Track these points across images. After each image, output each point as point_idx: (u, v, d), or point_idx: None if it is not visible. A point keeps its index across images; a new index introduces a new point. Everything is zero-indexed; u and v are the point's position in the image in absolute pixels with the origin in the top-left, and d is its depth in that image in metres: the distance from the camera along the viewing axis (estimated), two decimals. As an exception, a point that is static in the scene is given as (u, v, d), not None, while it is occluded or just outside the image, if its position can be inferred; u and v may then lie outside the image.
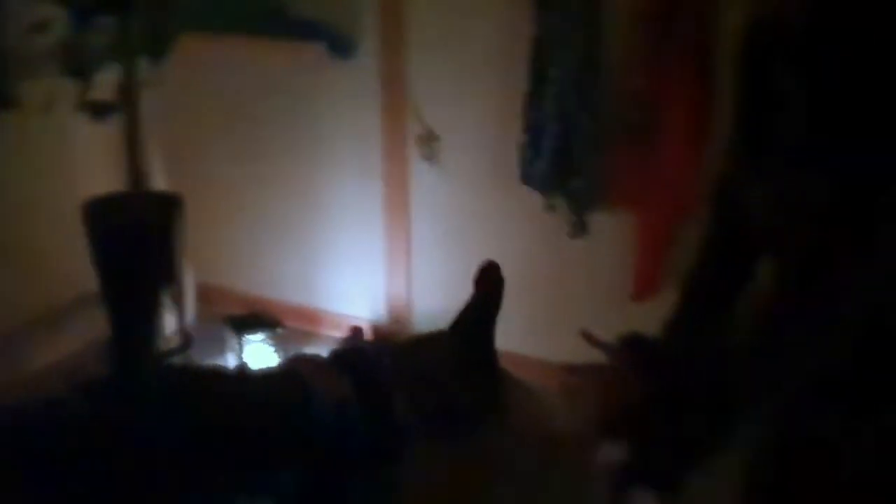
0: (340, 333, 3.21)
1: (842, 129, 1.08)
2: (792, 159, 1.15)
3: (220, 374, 1.47)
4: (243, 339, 2.84)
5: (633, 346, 1.38)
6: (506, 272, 3.15)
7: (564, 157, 2.59)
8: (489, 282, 1.53)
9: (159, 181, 2.90)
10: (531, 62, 2.56)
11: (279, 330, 2.91)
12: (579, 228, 2.64)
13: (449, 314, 3.22)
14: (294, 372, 1.27)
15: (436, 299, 3.12)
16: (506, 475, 1.28)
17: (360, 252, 3.19)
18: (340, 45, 2.90)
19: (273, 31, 2.89)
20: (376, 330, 3.23)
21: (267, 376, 1.30)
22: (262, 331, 2.86)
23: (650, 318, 2.93)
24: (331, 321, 3.27)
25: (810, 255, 1.13)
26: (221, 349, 2.97)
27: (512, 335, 1.70)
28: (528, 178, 2.67)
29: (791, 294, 1.17)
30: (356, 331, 3.19)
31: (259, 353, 2.87)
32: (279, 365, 1.35)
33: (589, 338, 1.39)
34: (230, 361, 2.94)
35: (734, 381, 1.19)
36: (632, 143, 2.50)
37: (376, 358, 1.33)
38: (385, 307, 3.22)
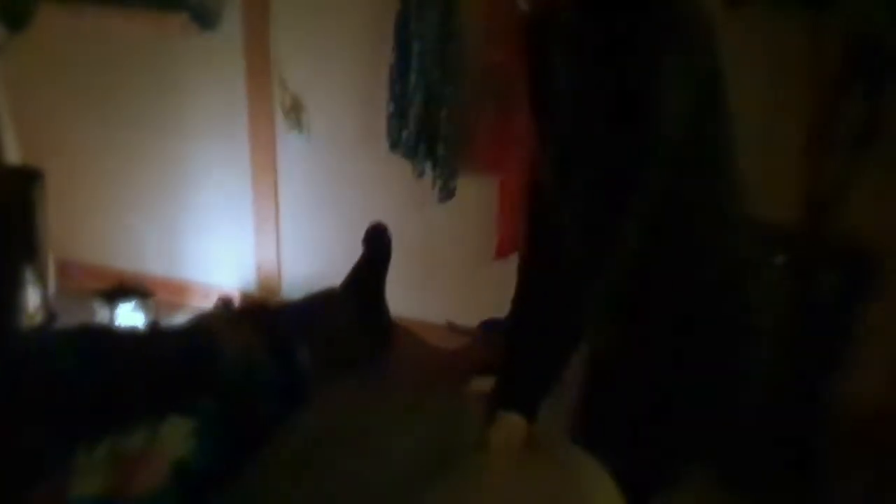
0: (210, 304, 3.23)
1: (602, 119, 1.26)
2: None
3: (128, 332, 1.50)
4: (114, 310, 2.81)
5: (489, 329, 1.56)
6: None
7: (430, 125, 2.73)
8: (378, 241, 1.64)
9: (13, 154, 2.80)
10: (396, 35, 2.66)
11: (149, 300, 2.90)
12: (446, 193, 2.79)
13: (319, 279, 3.29)
14: (202, 327, 1.34)
15: (305, 265, 3.20)
16: (395, 407, 1.40)
17: (228, 221, 3.21)
18: (204, 15, 2.89)
19: (136, 0, 2.85)
20: (246, 298, 3.27)
21: (176, 332, 1.36)
22: (133, 301, 2.84)
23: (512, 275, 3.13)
24: (200, 291, 3.28)
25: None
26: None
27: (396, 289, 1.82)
28: (395, 146, 2.79)
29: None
30: (225, 300, 3.21)
31: (130, 324, 2.85)
32: (187, 322, 1.41)
33: (453, 328, 1.56)
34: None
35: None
36: (493, 110, 2.67)
37: (279, 313, 1.42)
38: (255, 275, 3.26)
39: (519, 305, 1.59)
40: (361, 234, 3.53)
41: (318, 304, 1.53)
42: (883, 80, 2.05)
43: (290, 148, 3.03)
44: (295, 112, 2.96)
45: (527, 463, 1.19)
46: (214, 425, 1.16)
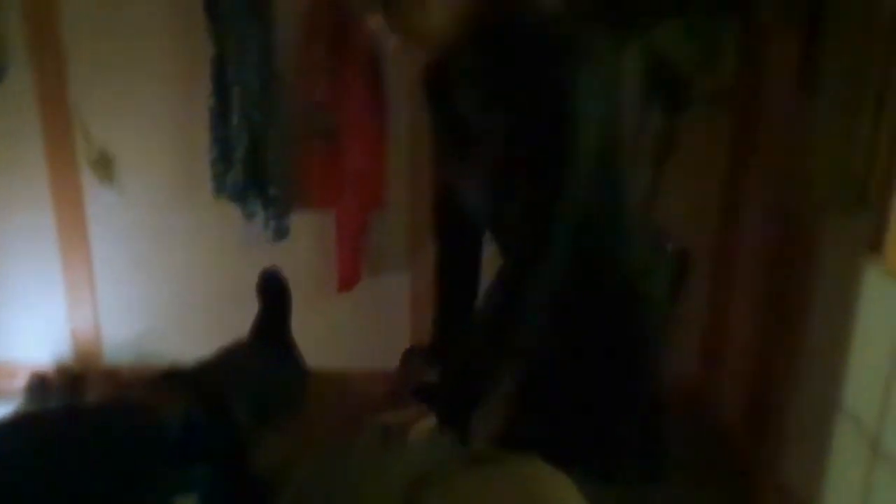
0: (20, 382, 2.94)
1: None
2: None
3: (60, 417, 1.36)
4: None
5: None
6: (211, 282, 3.18)
7: (256, 166, 2.70)
8: (273, 287, 1.64)
9: None
10: (214, 79, 2.61)
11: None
12: (280, 232, 2.77)
13: (144, 339, 3.14)
14: (133, 401, 1.28)
15: (128, 328, 3.02)
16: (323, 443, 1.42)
17: (36, 291, 2.96)
18: (-13, 70, 2.66)
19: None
20: (62, 371, 3.01)
21: (104, 410, 1.28)
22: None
23: (358, 306, 3.17)
24: (9, 371, 2.98)
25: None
26: None
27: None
28: (221, 191, 2.73)
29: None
30: (40, 377, 2.94)
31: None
32: (106, 400, 1.33)
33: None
34: None
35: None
36: (320, 147, 2.70)
37: (201, 372, 1.38)
38: (70, 345, 3.02)
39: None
40: (189, 286, 3.43)
41: (235, 358, 1.51)
42: (677, 100, 2.36)
43: (101, 204, 2.85)
44: (103, 165, 2.80)
45: (493, 475, 1.26)
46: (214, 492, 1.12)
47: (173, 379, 1.33)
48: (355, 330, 2.94)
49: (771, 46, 2.37)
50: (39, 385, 2.92)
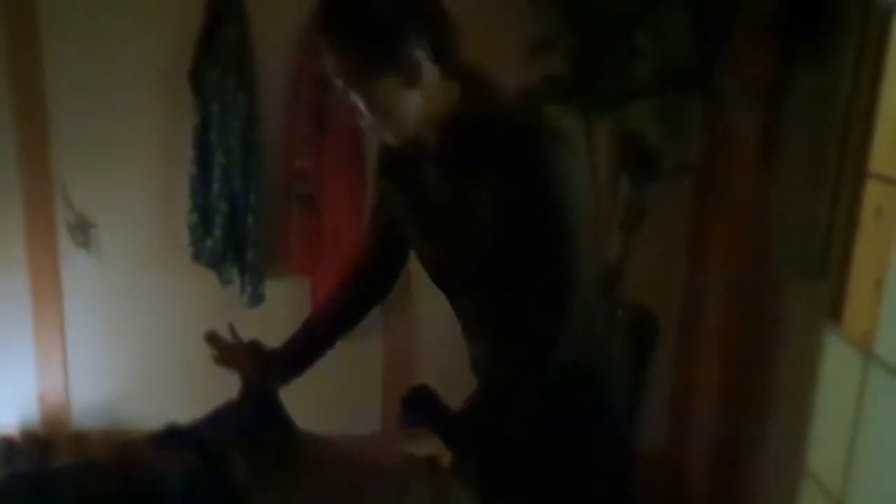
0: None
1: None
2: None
3: (62, 476, 1.35)
4: None
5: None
6: (186, 348, 3.17)
7: (236, 233, 2.75)
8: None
9: None
10: (195, 146, 2.67)
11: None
12: (255, 298, 2.80)
13: (113, 403, 3.11)
14: (134, 459, 1.30)
15: (98, 393, 3.00)
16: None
17: (6, 353, 2.92)
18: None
19: None
20: (28, 436, 2.97)
21: (110, 471, 1.29)
22: None
23: (331, 369, 3.20)
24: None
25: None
26: None
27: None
28: (199, 256, 2.76)
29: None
30: (6, 441, 2.89)
31: None
32: (113, 458, 1.35)
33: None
34: None
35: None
36: (299, 213, 2.76)
37: (199, 429, 1.40)
38: (38, 409, 2.98)
39: None
40: (161, 351, 3.41)
41: (230, 417, 1.53)
42: (645, 173, 2.48)
43: (77, 268, 2.86)
44: (81, 229, 2.82)
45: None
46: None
47: (174, 437, 1.36)
48: (328, 393, 2.95)
49: (734, 123, 2.51)
50: (6, 449, 2.87)
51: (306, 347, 1.74)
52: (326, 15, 1.36)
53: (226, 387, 2.93)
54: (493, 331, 1.51)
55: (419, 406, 1.59)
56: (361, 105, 1.39)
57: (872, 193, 1.98)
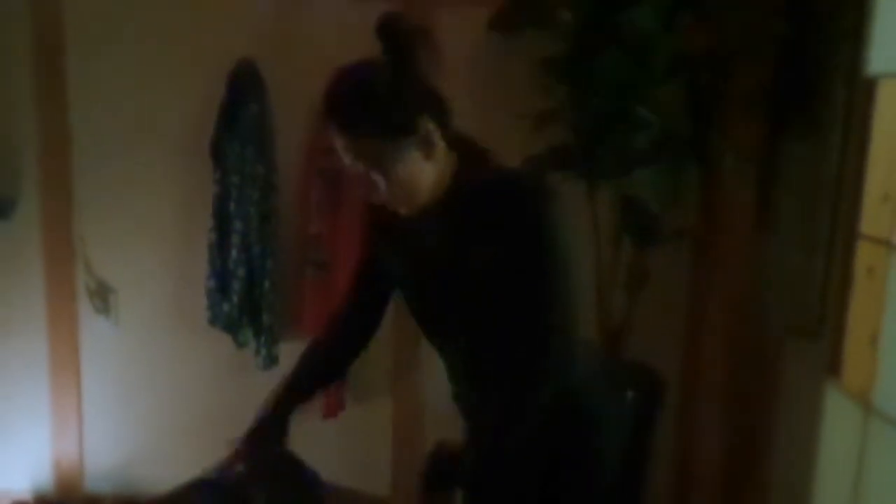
0: (2, 510, 2.92)
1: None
2: None
3: None
4: None
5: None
6: (200, 410, 3.22)
7: (252, 297, 2.84)
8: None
9: None
10: (215, 215, 2.79)
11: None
12: (269, 360, 2.87)
13: (127, 468, 3.14)
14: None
15: (112, 457, 3.05)
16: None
17: (22, 417, 2.98)
18: (-1, 205, 2.81)
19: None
20: (41, 500, 2.99)
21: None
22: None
23: (342, 432, 3.24)
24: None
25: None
26: None
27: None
28: (216, 320, 2.84)
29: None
30: (20, 504, 2.93)
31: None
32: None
33: None
34: None
35: None
36: (314, 277, 2.85)
37: (219, 484, 1.47)
38: (51, 473, 3.01)
39: None
40: (177, 414, 3.47)
41: (260, 468, 1.60)
42: (646, 237, 2.59)
43: (95, 333, 2.94)
44: (101, 295, 2.91)
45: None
46: None
47: (206, 489, 1.42)
48: (339, 455, 3.00)
49: (730, 190, 2.64)
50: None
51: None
52: (338, 109, 1.45)
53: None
54: (481, 374, 1.60)
55: (445, 465, 1.67)
56: (382, 183, 1.46)
57: (864, 254, 2.10)
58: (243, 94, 2.77)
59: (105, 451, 3.03)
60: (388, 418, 3.06)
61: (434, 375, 3.01)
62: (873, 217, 2.08)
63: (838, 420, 2.18)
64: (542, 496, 1.58)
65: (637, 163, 2.45)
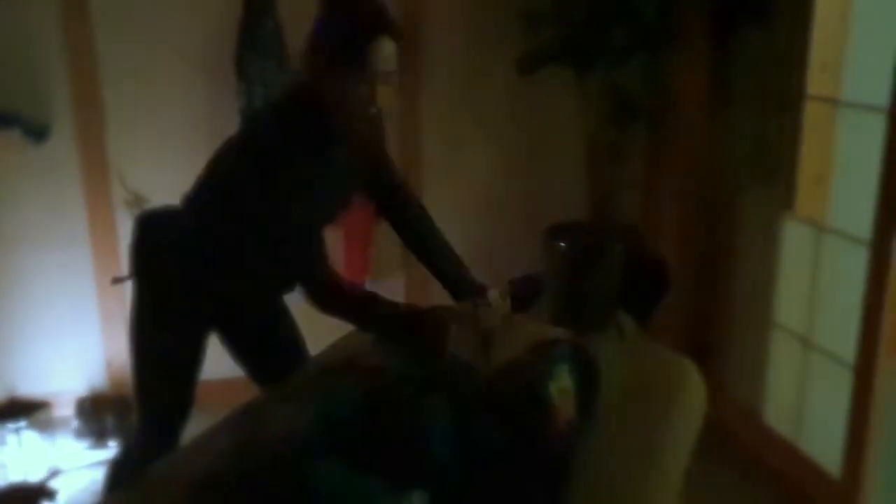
0: (69, 410, 3.18)
1: None
2: None
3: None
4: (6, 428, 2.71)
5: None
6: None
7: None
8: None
9: None
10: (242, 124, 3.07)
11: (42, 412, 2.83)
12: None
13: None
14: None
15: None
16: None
17: (73, 324, 3.23)
18: (33, 131, 2.98)
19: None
20: (98, 398, 3.26)
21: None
22: (24, 416, 2.76)
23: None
24: (54, 401, 3.21)
25: None
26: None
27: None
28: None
29: None
30: (88, 401, 3.18)
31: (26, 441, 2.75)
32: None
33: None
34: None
35: None
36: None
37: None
38: (105, 374, 3.28)
39: None
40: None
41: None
42: (627, 120, 3.11)
43: (134, 240, 3.18)
44: (137, 205, 3.13)
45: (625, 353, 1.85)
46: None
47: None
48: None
49: (683, 72, 3.18)
50: (90, 409, 3.15)
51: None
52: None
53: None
54: None
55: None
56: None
57: (810, 111, 2.71)
58: (258, 11, 3.04)
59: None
60: (400, 295, 3.48)
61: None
62: (815, 80, 2.68)
63: (794, 241, 2.82)
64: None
65: (623, 53, 2.94)
